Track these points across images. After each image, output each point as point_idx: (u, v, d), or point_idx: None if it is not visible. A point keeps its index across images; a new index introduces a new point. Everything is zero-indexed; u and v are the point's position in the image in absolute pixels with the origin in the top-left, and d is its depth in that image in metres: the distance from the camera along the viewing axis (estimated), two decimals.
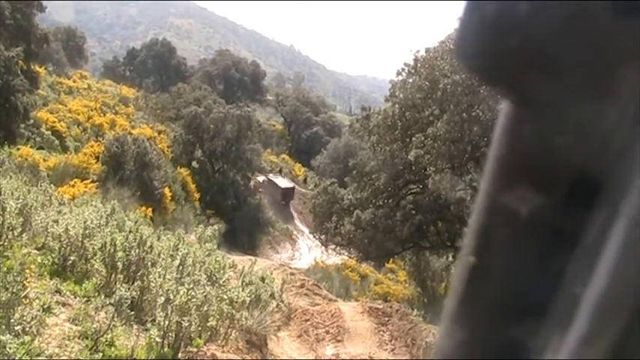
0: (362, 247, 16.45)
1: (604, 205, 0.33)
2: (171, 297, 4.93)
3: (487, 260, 0.38)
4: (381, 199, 15.80)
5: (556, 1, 0.32)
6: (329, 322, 9.96)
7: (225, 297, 5.77)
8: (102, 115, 28.49)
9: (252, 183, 32.55)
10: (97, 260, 6.07)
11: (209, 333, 5.73)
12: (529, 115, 0.35)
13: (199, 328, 5.47)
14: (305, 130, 50.24)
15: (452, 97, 13.45)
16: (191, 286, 5.10)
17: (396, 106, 15.22)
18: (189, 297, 4.95)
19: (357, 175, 16.52)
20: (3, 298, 3.91)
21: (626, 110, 0.32)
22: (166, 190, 22.04)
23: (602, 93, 0.32)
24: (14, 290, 4.00)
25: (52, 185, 11.64)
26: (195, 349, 5.29)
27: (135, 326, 5.28)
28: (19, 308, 4.10)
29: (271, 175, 35.84)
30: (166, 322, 4.90)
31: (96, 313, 5.03)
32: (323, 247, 20.79)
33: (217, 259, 6.87)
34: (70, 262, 5.93)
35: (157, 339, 4.91)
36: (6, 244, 5.79)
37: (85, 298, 5.37)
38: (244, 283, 7.58)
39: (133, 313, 5.16)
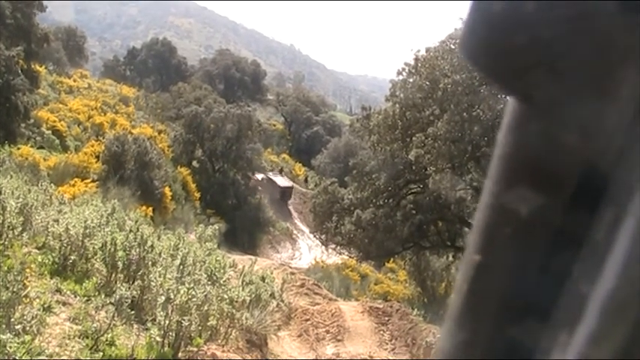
0: (362, 246, 16.46)
1: (610, 205, 0.33)
2: (172, 296, 4.93)
3: (491, 259, 0.38)
4: (382, 199, 15.80)
5: (562, 1, 0.32)
6: (329, 321, 9.97)
7: (225, 296, 5.78)
8: (102, 114, 28.50)
9: (251, 182, 32.58)
10: (98, 259, 6.07)
11: (209, 332, 5.73)
12: (535, 113, 0.34)
13: (199, 328, 5.48)
14: (305, 130, 50.23)
15: (452, 96, 13.45)
16: (191, 285, 5.10)
17: (397, 105, 15.22)
18: (190, 296, 4.95)
19: (358, 175, 16.52)
20: (3, 297, 3.91)
21: (626, 110, 0.32)
22: (167, 190, 22.05)
23: (603, 93, 0.32)
24: (15, 289, 4.00)
25: (52, 185, 11.66)
26: (195, 349, 5.30)
27: (135, 325, 5.28)
28: (20, 307, 4.11)
29: (270, 173, 35.88)
30: (167, 322, 4.91)
31: (96, 312, 5.03)
32: (323, 247, 20.80)
33: (218, 258, 6.87)
34: (71, 261, 5.93)
35: (158, 338, 4.91)
36: (6, 243, 5.79)
37: (86, 298, 5.37)
38: (244, 283, 7.58)
39: (133, 312, 5.16)
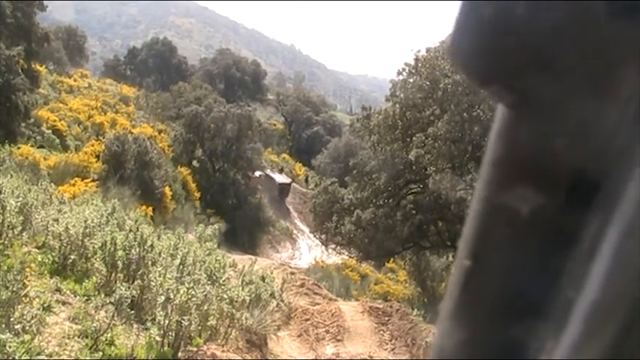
0: (362, 246, 16.45)
1: (600, 210, 0.33)
2: (172, 296, 4.93)
3: (485, 262, 0.38)
4: (382, 199, 15.80)
5: (553, 2, 0.32)
6: (329, 321, 9.97)
7: (225, 296, 5.77)
8: (102, 114, 28.49)
9: (250, 180, 32.59)
10: (98, 259, 6.07)
11: (209, 332, 5.73)
12: (526, 117, 0.34)
13: (199, 328, 5.48)
14: (305, 130, 50.22)
15: (452, 96, 13.45)
16: (191, 285, 5.10)
17: (397, 105, 15.22)
18: (190, 296, 4.95)
19: (358, 175, 16.52)
20: (3, 297, 3.91)
21: (626, 110, 0.32)
22: (167, 190, 22.04)
23: (602, 93, 0.32)
24: (14, 289, 4.00)
25: (52, 184, 11.65)
26: (195, 349, 5.30)
27: (135, 325, 5.28)
28: (19, 307, 4.10)
29: (268, 170, 35.88)
30: (166, 322, 4.90)
31: (96, 312, 5.03)
32: (323, 247, 20.80)
33: (217, 258, 6.86)
34: (71, 260, 5.93)
35: (157, 338, 4.91)
36: (6, 242, 5.79)
37: (85, 297, 5.37)
38: (244, 283, 7.58)
39: (133, 312, 5.16)
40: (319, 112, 53.54)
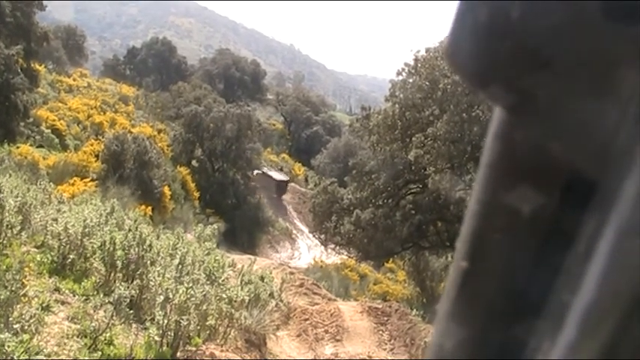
0: (361, 246, 16.46)
1: (596, 210, 0.33)
2: (171, 296, 4.93)
3: (483, 263, 0.38)
4: (381, 199, 15.81)
5: (548, 2, 0.32)
6: (328, 321, 9.97)
7: (224, 296, 5.77)
8: (102, 113, 28.46)
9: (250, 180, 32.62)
10: (97, 259, 6.07)
11: (208, 332, 5.73)
12: (523, 118, 0.34)
13: (198, 327, 5.47)
14: (305, 130, 50.23)
15: (452, 97, 13.45)
16: (190, 285, 5.10)
17: (396, 105, 15.22)
18: (189, 296, 4.95)
19: (357, 175, 16.52)
20: (2, 297, 3.91)
21: (626, 111, 0.32)
22: (166, 189, 22.03)
23: (602, 93, 0.32)
24: (13, 288, 3.99)
25: (51, 183, 11.66)
26: (194, 348, 5.30)
27: (134, 325, 5.28)
28: (18, 306, 4.10)
29: (265, 168, 35.91)
30: (165, 321, 4.90)
31: (95, 311, 5.03)
32: (322, 247, 20.80)
33: (216, 258, 6.87)
34: (70, 260, 5.93)
35: (156, 338, 4.91)
36: (5, 242, 5.79)
37: (84, 297, 5.37)
38: (243, 282, 7.57)
39: (131, 311, 5.16)
40: (319, 112, 53.54)
